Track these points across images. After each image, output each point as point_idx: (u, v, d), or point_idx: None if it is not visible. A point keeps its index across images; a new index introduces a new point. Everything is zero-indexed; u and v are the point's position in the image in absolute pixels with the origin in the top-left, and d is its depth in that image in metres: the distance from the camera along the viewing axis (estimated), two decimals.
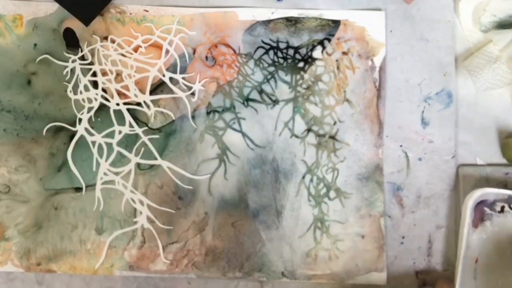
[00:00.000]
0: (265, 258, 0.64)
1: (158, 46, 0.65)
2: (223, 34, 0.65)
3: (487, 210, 0.62)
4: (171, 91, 0.65)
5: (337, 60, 0.65)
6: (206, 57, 0.65)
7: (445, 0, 0.66)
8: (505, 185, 0.64)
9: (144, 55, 0.65)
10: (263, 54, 0.65)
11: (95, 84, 0.65)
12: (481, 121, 0.65)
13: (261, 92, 0.65)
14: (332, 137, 0.65)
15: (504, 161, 0.65)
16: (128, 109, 0.65)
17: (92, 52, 0.65)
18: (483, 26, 0.65)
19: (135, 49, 0.65)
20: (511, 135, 0.65)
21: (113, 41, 0.65)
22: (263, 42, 0.65)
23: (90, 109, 0.64)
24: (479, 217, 0.62)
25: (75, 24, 0.65)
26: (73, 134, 0.64)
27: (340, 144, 0.65)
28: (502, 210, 0.62)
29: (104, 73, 0.65)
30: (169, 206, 0.64)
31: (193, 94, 0.65)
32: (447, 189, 0.65)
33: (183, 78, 0.65)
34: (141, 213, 0.64)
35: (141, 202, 0.64)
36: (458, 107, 0.65)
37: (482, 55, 0.64)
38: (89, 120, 0.64)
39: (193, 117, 0.65)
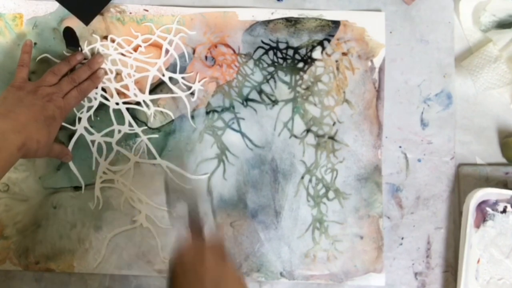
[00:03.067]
0: (263, 258, 0.63)
1: (158, 46, 0.65)
2: (222, 34, 0.65)
3: (489, 210, 0.62)
4: (171, 91, 0.65)
5: (336, 61, 0.65)
6: (206, 57, 0.65)
7: (445, 1, 0.66)
8: (505, 185, 0.63)
9: (143, 54, 0.65)
10: (263, 54, 0.65)
11: None
12: (481, 121, 0.65)
13: (260, 92, 0.65)
14: (331, 138, 0.65)
15: (504, 160, 0.65)
16: (127, 109, 0.65)
17: (92, 51, 0.65)
18: (483, 26, 0.65)
19: (135, 49, 0.65)
20: (511, 135, 0.65)
21: (113, 41, 0.65)
22: (262, 42, 0.65)
23: (89, 108, 0.64)
24: (481, 217, 0.62)
25: (75, 23, 0.65)
26: (72, 133, 0.64)
27: (339, 145, 0.65)
28: (504, 210, 0.62)
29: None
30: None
31: (192, 93, 0.65)
32: (446, 190, 0.64)
33: (182, 77, 0.65)
34: (140, 212, 0.64)
35: (140, 201, 0.64)
36: (457, 106, 0.65)
37: (482, 55, 0.64)
38: (89, 119, 0.64)
39: (192, 116, 0.65)
